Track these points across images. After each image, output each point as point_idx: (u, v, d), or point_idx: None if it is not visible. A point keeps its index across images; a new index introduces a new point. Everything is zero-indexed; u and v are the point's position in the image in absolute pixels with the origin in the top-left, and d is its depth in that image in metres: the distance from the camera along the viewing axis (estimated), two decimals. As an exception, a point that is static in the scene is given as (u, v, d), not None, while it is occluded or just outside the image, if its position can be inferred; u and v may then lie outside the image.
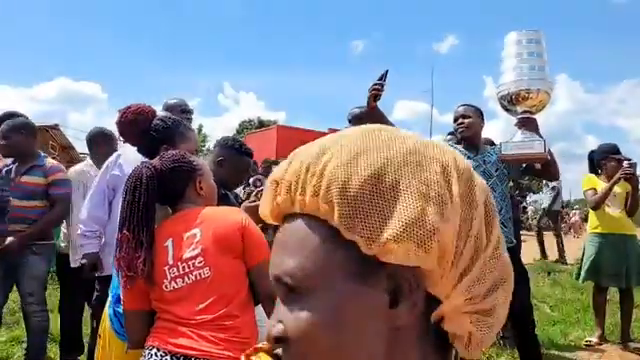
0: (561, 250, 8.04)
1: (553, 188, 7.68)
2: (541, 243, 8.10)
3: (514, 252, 2.69)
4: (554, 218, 8.23)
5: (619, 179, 3.55)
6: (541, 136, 2.60)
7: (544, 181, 7.36)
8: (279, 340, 0.42)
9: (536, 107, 2.65)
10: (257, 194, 2.17)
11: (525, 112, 2.65)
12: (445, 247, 0.39)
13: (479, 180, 0.44)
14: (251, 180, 2.22)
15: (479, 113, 2.81)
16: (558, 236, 8.21)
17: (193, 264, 1.35)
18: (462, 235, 0.40)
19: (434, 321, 0.42)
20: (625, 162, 3.56)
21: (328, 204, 0.39)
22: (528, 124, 2.62)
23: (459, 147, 2.78)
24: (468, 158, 2.71)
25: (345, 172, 0.39)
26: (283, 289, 0.43)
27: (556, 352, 3.63)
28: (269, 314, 1.41)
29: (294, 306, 0.41)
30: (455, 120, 2.80)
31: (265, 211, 0.46)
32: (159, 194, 1.43)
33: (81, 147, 15.11)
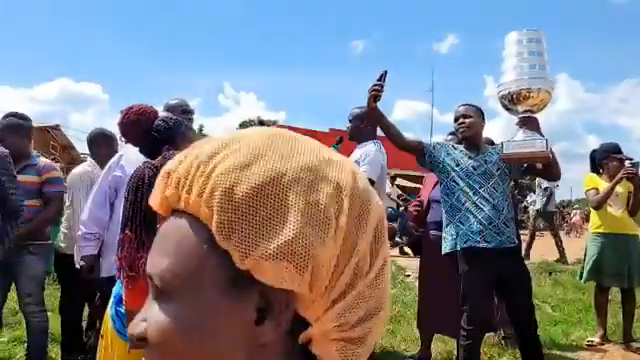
0: (561, 250, 8.04)
1: (545, 189, 7.70)
2: (529, 244, 8.09)
3: (517, 252, 2.69)
4: (549, 219, 8.26)
5: (621, 179, 3.55)
6: (542, 135, 2.60)
7: (536, 182, 7.36)
8: (140, 339, 0.41)
9: (537, 106, 2.65)
10: None
11: (526, 111, 2.64)
12: (320, 273, 0.38)
13: (375, 204, 0.43)
14: None
15: (480, 113, 2.80)
16: (556, 236, 8.22)
17: None
18: (341, 262, 0.39)
19: (302, 342, 0.41)
20: (627, 162, 3.55)
21: (209, 208, 0.38)
22: (529, 123, 2.62)
23: (460, 147, 2.78)
24: (469, 158, 2.70)
25: (232, 178, 0.38)
26: (153, 287, 0.41)
27: (558, 352, 3.63)
28: None
29: (160, 307, 0.40)
30: (456, 120, 2.79)
31: (155, 202, 0.43)
32: None
33: (82, 147, 15.13)
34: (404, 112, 71.41)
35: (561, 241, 8.18)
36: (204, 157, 0.40)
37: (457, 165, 2.70)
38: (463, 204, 2.63)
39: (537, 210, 7.53)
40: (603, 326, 3.91)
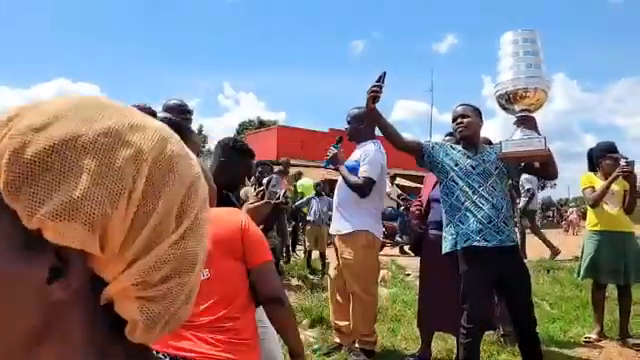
0: (547, 242, 8.21)
1: (528, 190, 7.93)
2: (522, 243, 8.22)
3: (516, 251, 2.72)
4: (531, 217, 8.47)
5: (616, 177, 3.59)
6: (540, 133, 2.63)
7: (520, 183, 7.53)
8: None
9: (534, 105, 2.67)
10: (258, 194, 2.17)
11: (523, 110, 2.67)
12: (111, 233, 0.39)
13: (186, 169, 0.44)
14: (264, 180, 2.22)
15: (477, 112, 2.83)
16: (537, 233, 8.40)
17: None
18: (138, 223, 0.40)
19: (104, 303, 0.42)
20: (622, 160, 3.60)
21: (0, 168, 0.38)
22: (527, 122, 2.65)
23: (458, 147, 2.81)
24: (468, 158, 2.73)
25: (24, 139, 0.38)
26: None
27: (556, 349, 3.67)
28: (271, 317, 1.43)
29: None
30: (454, 120, 2.82)
31: None
32: None
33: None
34: (403, 112, 71.35)
35: (543, 235, 8.37)
36: (4, 119, 0.40)
37: (456, 165, 2.73)
38: (462, 203, 2.66)
39: (520, 209, 7.74)
40: (600, 323, 3.95)
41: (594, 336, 3.88)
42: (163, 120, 1.71)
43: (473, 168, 2.70)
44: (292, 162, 10.03)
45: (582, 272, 3.98)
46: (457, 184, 2.70)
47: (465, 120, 2.77)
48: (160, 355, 1.34)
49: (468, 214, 2.64)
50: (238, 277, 1.39)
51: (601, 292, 3.98)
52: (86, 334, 0.43)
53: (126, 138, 0.41)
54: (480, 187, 2.66)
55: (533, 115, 2.68)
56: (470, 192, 2.66)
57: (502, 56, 2.72)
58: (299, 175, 8.80)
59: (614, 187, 3.77)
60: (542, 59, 2.67)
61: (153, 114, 2.07)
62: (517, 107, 2.67)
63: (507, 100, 2.67)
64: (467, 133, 2.77)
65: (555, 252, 8.09)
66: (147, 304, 0.42)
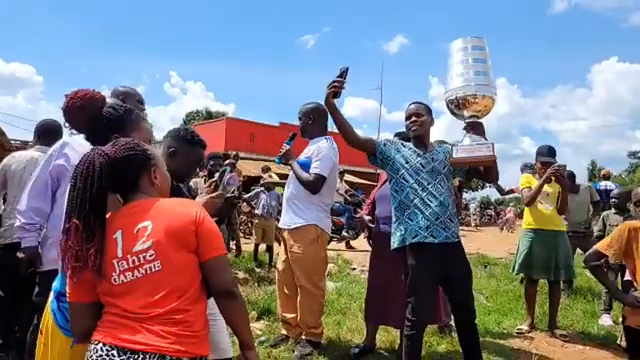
0: None
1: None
2: None
3: (460, 247, 2.83)
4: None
5: (548, 179, 3.84)
6: (487, 139, 2.73)
7: None
8: None
9: (482, 112, 2.75)
10: (210, 185, 2.12)
11: (472, 116, 2.75)
12: None
13: None
14: (219, 172, 2.16)
15: (430, 111, 2.91)
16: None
17: (144, 257, 1.31)
18: None
19: None
20: (556, 165, 3.84)
21: None
22: (475, 128, 2.73)
23: (409, 145, 2.87)
24: (418, 156, 2.80)
25: None
26: None
27: (490, 339, 3.87)
28: (223, 310, 1.41)
29: None
30: (408, 118, 2.87)
31: None
32: (111, 182, 1.38)
33: (12, 133, 14.15)
34: (353, 109, 72.23)
35: None
36: None
37: (407, 162, 2.79)
38: (412, 201, 2.73)
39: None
40: (531, 315, 4.22)
41: (526, 327, 4.14)
42: (113, 107, 1.62)
43: (423, 166, 2.77)
44: (241, 155, 9.89)
45: (516, 267, 4.24)
46: (407, 181, 2.76)
47: (420, 119, 2.83)
48: (107, 347, 1.29)
49: (417, 211, 2.71)
50: (191, 269, 1.36)
51: (533, 287, 4.24)
52: None
53: None
54: (429, 185, 2.73)
55: (481, 121, 2.77)
56: (419, 189, 2.73)
57: (451, 63, 2.78)
58: (267, 169, 8.71)
59: (548, 189, 4.03)
60: (490, 66, 2.77)
61: (103, 100, 1.97)
62: (466, 113, 2.75)
63: (456, 106, 2.75)
64: (420, 132, 2.83)
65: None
66: None
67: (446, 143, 2.79)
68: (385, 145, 2.88)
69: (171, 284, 1.32)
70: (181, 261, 1.33)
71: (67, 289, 1.41)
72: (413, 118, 2.84)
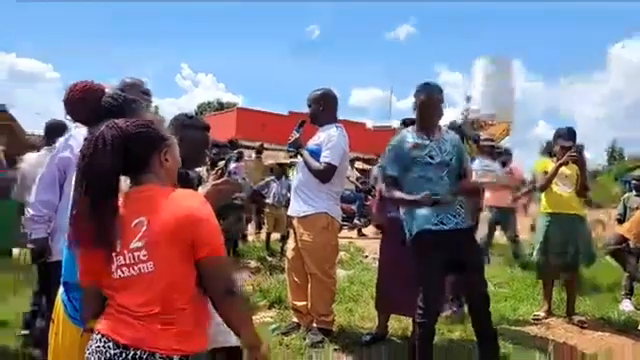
0: None
1: None
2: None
3: (471, 232, 2.78)
4: None
5: (564, 163, 3.74)
6: (495, 159, 2.65)
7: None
8: None
9: (497, 137, 2.72)
10: (217, 172, 2.08)
11: (487, 139, 2.70)
12: None
13: None
14: (225, 160, 2.11)
15: (438, 91, 2.81)
16: None
17: (138, 256, 1.26)
18: None
19: None
20: (572, 150, 3.72)
21: None
22: (486, 152, 2.67)
23: (412, 136, 2.81)
24: (423, 147, 2.74)
25: None
26: None
27: (507, 326, 3.81)
28: (219, 311, 1.34)
29: None
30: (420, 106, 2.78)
31: None
32: (122, 158, 1.30)
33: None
34: (360, 99, 71.63)
35: None
36: None
37: (416, 156, 2.74)
38: (422, 189, 2.68)
39: None
40: (548, 301, 4.13)
41: (542, 314, 4.06)
42: (112, 96, 1.56)
43: (432, 158, 2.73)
44: (250, 145, 9.94)
45: (534, 253, 4.15)
46: (417, 171, 2.72)
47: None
48: (105, 339, 1.28)
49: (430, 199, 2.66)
50: (186, 268, 1.30)
51: (550, 272, 4.15)
52: None
53: None
54: (438, 174, 2.69)
55: (494, 144, 2.70)
56: (429, 178, 2.69)
57: (474, 82, 2.75)
58: (260, 150, 8.77)
59: (567, 171, 3.90)
60: (513, 89, 2.73)
61: (102, 91, 1.96)
62: (482, 134, 2.71)
63: (474, 126, 2.73)
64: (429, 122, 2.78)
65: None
66: None
67: (456, 126, 2.72)
68: (400, 174, 2.78)
69: (165, 284, 1.27)
70: (176, 260, 1.27)
71: (78, 272, 1.38)
72: (421, 106, 2.77)
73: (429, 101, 2.76)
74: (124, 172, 1.35)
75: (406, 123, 3.36)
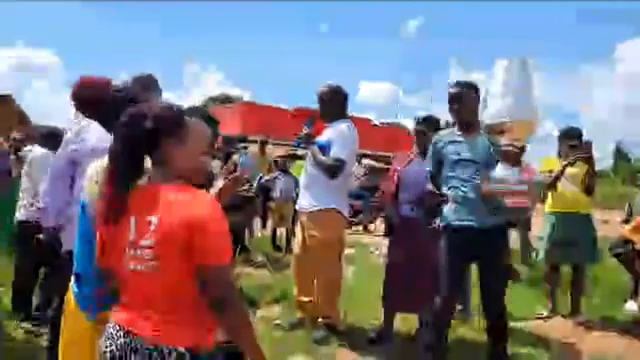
0: None
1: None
2: None
3: (499, 231, 2.76)
4: None
5: (571, 163, 3.73)
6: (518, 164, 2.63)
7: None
8: None
9: (520, 140, 2.66)
10: (227, 170, 2.10)
11: (508, 145, 2.62)
12: None
13: None
14: (234, 157, 2.13)
15: (473, 90, 2.82)
16: None
17: (146, 254, 1.28)
18: None
19: None
20: (579, 151, 3.70)
21: None
22: (508, 158, 2.60)
23: (448, 134, 2.86)
24: (457, 144, 2.77)
25: None
26: None
27: (510, 325, 3.79)
28: (218, 321, 1.33)
29: None
30: (449, 102, 2.81)
31: None
32: (148, 139, 1.36)
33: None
34: (368, 93, 71.40)
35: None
36: None
37: (448, 153, 2.79)
38: (449, 188, 2.77)
39: None
40: (553, 300, 4.13)
41: (546, 313, 4.06)
42: (120, 90, 1.59)
43: (460, 155, 2.75)
44: (254, 139, 9.93)
45: (539, 251, 4.14)
46: (447, 168, 2.78)
47: (458, 105, 2.78)
48: (117, 327, 1.33)
49: (456, 197, 2.72)
50: (192, 268, 1.29)
51: (555, 271, 4.15)
52: None
53: None
54: (470, 172, 2.70)
55: (515, 150, 2.63)
56: (460, 176, 2.73)
57: (493, 85, 2.72)
58: (265, 142, 8.79)
59: (573, 170, 3.88)
60: (532, 90, 2.68)
61: (108, 84, 1.98)
62: (503, 140, 2.67)
63: (493, 130, 2.73)
64: (461, 118, 2.81)
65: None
66: None
67: (494, 128, 2.70)
68: (435, 170, 2.89)
69: (172, 284, 1.29)
70: (181, 262, 1.28)
71: (97, 252, 1.41)
72: (454, 104, 2.78)
73: (462, 99, 2.76)
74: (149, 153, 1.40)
75: (423, 121, 3.48)
